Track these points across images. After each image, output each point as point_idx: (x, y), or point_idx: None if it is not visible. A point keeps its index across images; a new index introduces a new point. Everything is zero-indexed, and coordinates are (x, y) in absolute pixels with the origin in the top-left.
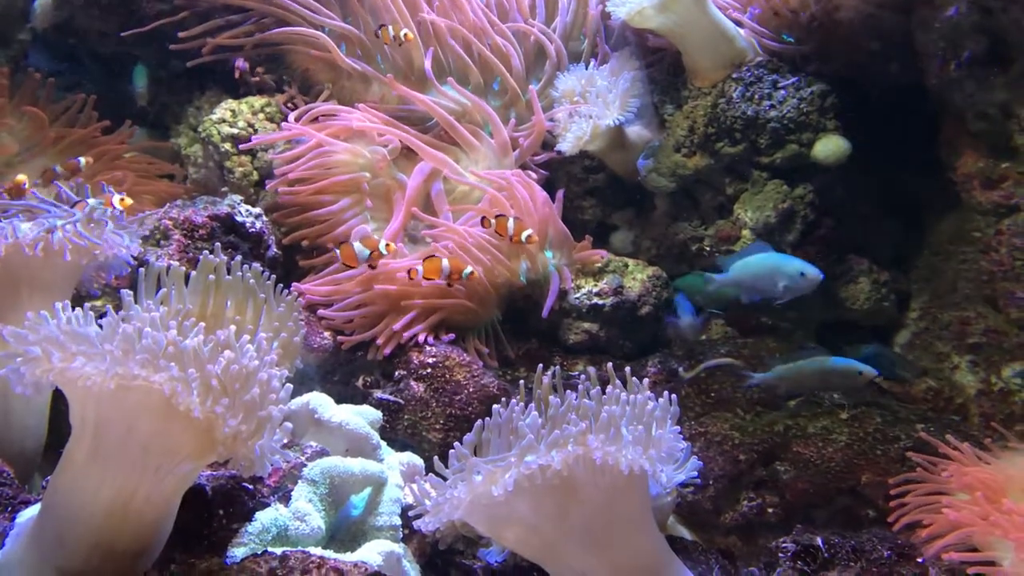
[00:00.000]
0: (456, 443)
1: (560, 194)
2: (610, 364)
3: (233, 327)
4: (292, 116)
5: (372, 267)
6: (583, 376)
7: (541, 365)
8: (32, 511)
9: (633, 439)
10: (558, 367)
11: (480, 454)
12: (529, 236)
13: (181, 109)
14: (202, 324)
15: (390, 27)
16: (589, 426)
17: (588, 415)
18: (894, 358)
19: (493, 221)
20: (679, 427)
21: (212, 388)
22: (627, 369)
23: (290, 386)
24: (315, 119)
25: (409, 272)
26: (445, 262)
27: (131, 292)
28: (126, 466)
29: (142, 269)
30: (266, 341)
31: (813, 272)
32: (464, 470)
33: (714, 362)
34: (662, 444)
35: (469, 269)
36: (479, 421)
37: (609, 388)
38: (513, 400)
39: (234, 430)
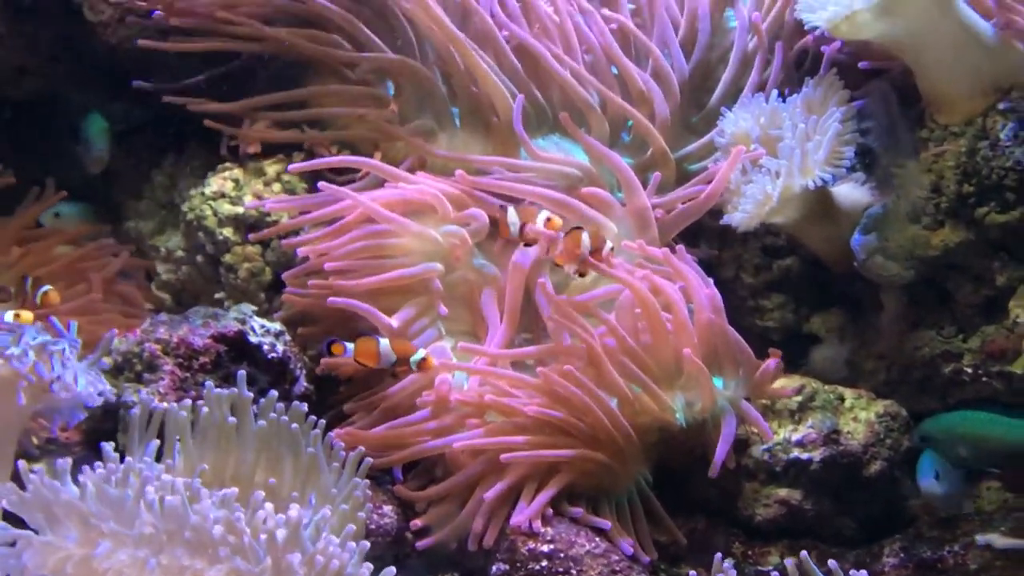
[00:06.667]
0: None
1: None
2: (833, 563)
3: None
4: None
5: (394, 375)
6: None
7: (719, 555)
8: None
9: None
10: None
11: None
12: (610, 252)
13: (143, 178)
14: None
15: None
16: None
17: None
18: None
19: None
20: None
21: None
22: None
23: None
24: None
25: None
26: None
27: (111, 444)
28: None
29: (134, 411)
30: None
31: None
32: None
33: (1002, 542)
34: None
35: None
36: None
37: None
38: None
39: None
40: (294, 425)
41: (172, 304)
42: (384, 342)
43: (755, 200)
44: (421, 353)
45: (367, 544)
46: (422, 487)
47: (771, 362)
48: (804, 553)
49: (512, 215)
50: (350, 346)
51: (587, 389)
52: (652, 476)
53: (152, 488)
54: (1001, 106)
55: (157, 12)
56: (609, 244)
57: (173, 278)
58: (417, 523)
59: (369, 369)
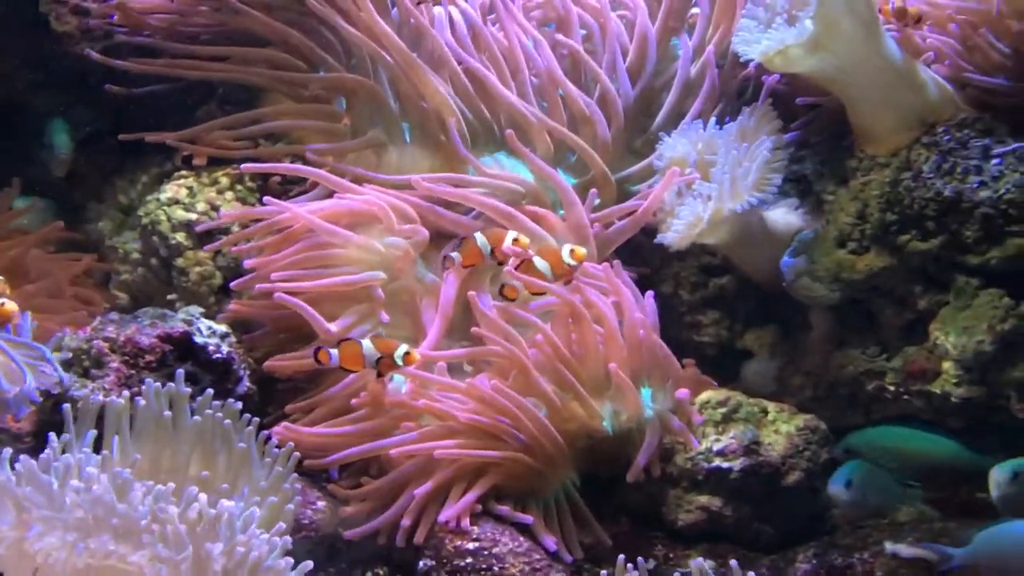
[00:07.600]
0: None
1: (650, 302)
2: (733, 562)
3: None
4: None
5: (380, 375)
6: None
7: (622, 556)
8: None
9: None
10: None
11: None
12: (573, 251)
13: (104, 182)
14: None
15: None
16: None
17: None
18: None
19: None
20: None
21: None
22: None
23: None
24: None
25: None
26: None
27: (55, 437)
28: None
29: (66, 406)
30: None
31: None
32: None
33: (907, 551)
34: None
35: None
36: None
37: None
38: None
39: None
40: (227, 421)
41: (129, 304)
42: (366, 343)
43: (687, 221)
44: (404, 348)
45: (289, 539)
46: (356, 485)
47: (682, 392)
48: (699, 559)
49: (480, 239)
50: (334, 352)
51: (514, 400)
52: (581, 482)
53: (76, 479)
54: (925, 140)
55: (115, 17)
56: (567, 247)
57: (130, 279)
58: (347, 510)
59: (316, 369)
